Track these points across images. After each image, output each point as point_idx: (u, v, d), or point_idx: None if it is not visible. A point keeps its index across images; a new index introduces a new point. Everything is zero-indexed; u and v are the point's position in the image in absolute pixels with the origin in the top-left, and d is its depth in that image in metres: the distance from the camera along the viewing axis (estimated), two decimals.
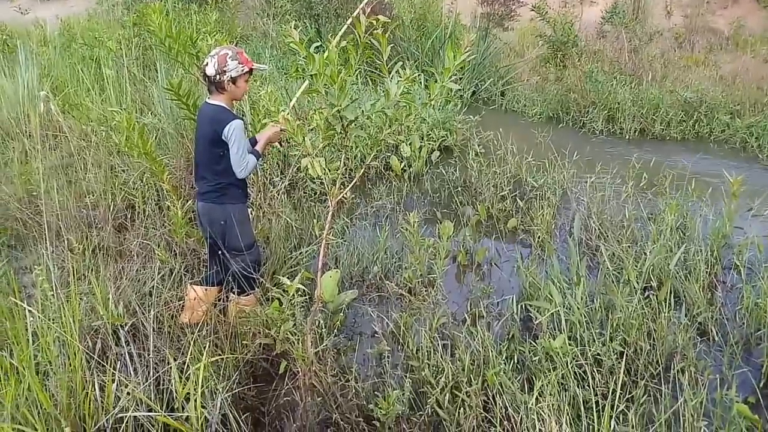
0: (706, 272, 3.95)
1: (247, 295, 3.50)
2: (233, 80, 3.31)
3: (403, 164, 6.16)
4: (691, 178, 5.32)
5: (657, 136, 7.83)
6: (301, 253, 4.31)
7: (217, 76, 3.27)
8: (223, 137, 3.23)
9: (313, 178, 5.49)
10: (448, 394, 2.86)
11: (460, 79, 9.49)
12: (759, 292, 3.58)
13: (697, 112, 7.96)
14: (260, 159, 3.41)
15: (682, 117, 7.94)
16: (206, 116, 3.34)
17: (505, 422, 2.68)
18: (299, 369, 2.91)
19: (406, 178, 6.03)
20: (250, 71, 3.39)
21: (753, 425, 2.66)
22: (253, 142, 3.53)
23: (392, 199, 5.52)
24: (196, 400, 2.54)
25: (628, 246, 4.17)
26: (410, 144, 6.22)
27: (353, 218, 5.16)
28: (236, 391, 2.91)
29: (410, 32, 10.17)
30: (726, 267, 4.22)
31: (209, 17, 7.72)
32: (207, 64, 3.28)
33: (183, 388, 2.63)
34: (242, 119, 3.34)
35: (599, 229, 4.56)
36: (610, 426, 2.49)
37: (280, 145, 5.20)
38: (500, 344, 3.27)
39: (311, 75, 2.97)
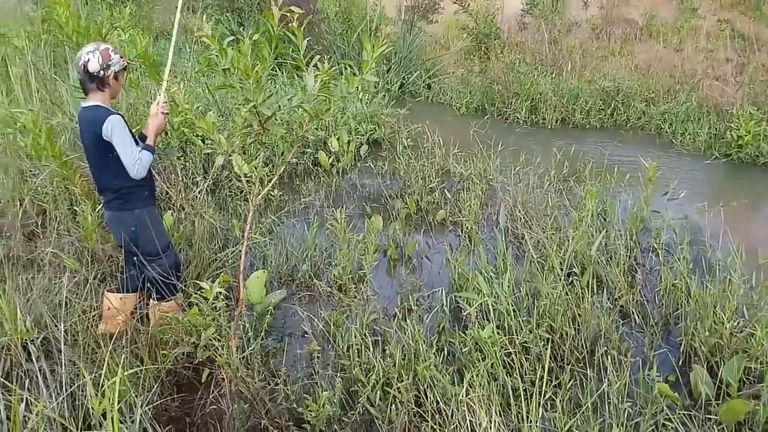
0: (626, 256, 4.08)
1: (168, 300, 3.35)
2: (116, 75, 3.16)
3: (331, 159, 6.08)
4: (611, 165, 5.49)
5: (578, 125, 8.06)
6: (226, 254, 4.17)
7: (101, 72, 3.09)
8: (104, 137, 3.05)
9: (239, 177, 5.33)
10: (379, 392, 2.83)
11: (387, 72, 9.48)
12: (676, 273, 3.72)
13: (615, 100, 8.25)
14: (154, 153, 3.23)
15: (600, 106, 8.21)
16: (85, 121, 3.13)
17: (437, 416, 2.67)
18: (224, 375, 2.81)
19: (335, 173, 5.96)
20: (126, 67, 3.25)
21: (673, 403, 2.75)
22: (143, 138, 3.34)
23: (321, 195, 5.44)
24: (113, 416, 2.41)
25: (552, 233, 4.26)
26: (338, 138, 6.15)
27: (281, 216, 5.06)
28: (158, 402, 2.79)
29: (335, 26, 10.08)
30: (645, 250, 4.37)
31: (123, 11, 7.38)
32: (89, 61, 3.06)
33: (99, 404, 2.48)
34: (120, 114, 3.15)
35: (524, 217, 4.64)
36: (538, 413, 2.52)
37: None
38: (431, 337, 3.27)
39: (224, 69, 2.86)
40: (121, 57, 3.16)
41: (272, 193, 5.26)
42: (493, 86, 8.83)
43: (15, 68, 6.87)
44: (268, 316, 3.61)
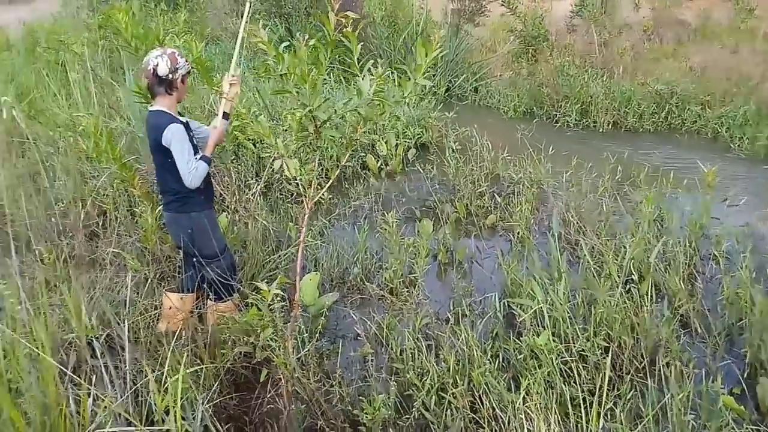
0: (685, 264, 3.96)
1: (225, 301, 3.42)
2: (182, 78, 3.26)
3: (379, 163, 6.10)
4: (666, 170, 5.36)
5: (630, 129, 7.89)
6: (279, 256, 4.23)
7: (170, 75, 3.19)
8: (164, 144, 3.14)
9: (290, 180, 5.41)
10: (434, 396, 2.82)
11: (434, 75, 9.46)
12: (738, 282, 3.60)
13: (669, 103, 8.02)
14: (210, 165, 3.32)
15: (654, 109, 8.01)
16: (150, 125, 3.24)
17: (493, 423, 2.65)
18: (281, 376, 2.85)
19: (383, 177, 5.97)
20: (190, 71, 3.35)
21: (739, 416, 2.66)
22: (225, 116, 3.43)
23: (370, 199, 5.46)
24: (176, 413, 2.46)
25: (607, 240, 4.18)
26: (386, 142, 6.16)
27: (331, 219, 5.10)
28: (218, 401, 2.84)
29: (381, 30, 10.12)
30: (704, 258, 4.24)
31: (178, 17, 7.57)
32: (158, 65, 3.15)
33: (162, 401, 2.55)
34: (182, 122, 3.23)
35: (578, 223, 4.56)
36: (598, 424, 2.47)
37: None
38: (485, 343, 3.24)
39: (281, 75, 2.90)
40: (186, 61, 3.24)
41: (323, 196, 5.31)
42: (542, 89, 8.71)
43: (74, 74, 7.11)
44: (322, 318, 3.63)
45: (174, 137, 3.12)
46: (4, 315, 2.87)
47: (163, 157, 3.19)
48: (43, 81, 7.66)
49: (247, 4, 3.55)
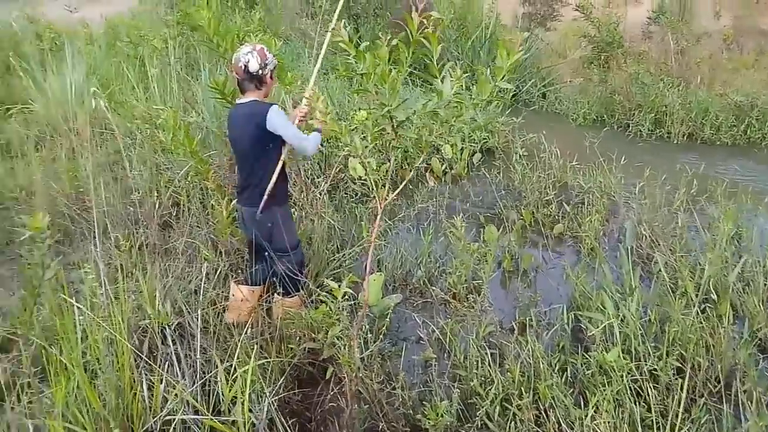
0: (765, 285, 3.77)
1: (292, 296, 3.46)
2: (271, 74, 3.33)
3: (444, 166, 6.06)
4: (746, 185, 5.12)
5: (706, 141, 7.59)
6: (344, 255, 4.26)
7: (260, 71, 3.26)
8: (267, 127, 3.18)
9: (355, 180, 5.44)
10: (497, 407, 2.78)
11: (501, 79, 9.34)
12: None
13: (749, 116, 7.68)
14: (321, 136, 3.35)
15: (732, 122, 7.67)
16: (243, 116, 3.29)
17: None
18: (345, 375, 2.86)
19: (447, 181, 5.93)
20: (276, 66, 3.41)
21: None
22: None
23: (435, 202, 5.43)
24: (243, 404, 2.51)
25: (682, 255, 4.03)
26: (452, 145, 6.12)
27: (395, 221, 5.09)
28: (282, 395, 2.88)
29: (450, 32, 10.07)
30: None
31: (253, 16, 7.74)
32: (249, 61, 3.23)
33: (230, 391, 2.60)
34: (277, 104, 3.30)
35: (650, 236, 4.41)
36: None
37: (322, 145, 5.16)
38: (550, 355, 3.17)
39: (361, 74, 2.92)
40: (274, 56, 3.32)
41: (386, 197, 5.32)
42: (614, 97, 8.48)
43: (152, 68, 7.36)
44: (386, 319, 3.64)
45: (279, 115, 3.19)
46: (82, 298, 2.98)
47: (261, 145, 3.25)
48: (122, 74, 7.97)
49: (335, 16, 3.57)
